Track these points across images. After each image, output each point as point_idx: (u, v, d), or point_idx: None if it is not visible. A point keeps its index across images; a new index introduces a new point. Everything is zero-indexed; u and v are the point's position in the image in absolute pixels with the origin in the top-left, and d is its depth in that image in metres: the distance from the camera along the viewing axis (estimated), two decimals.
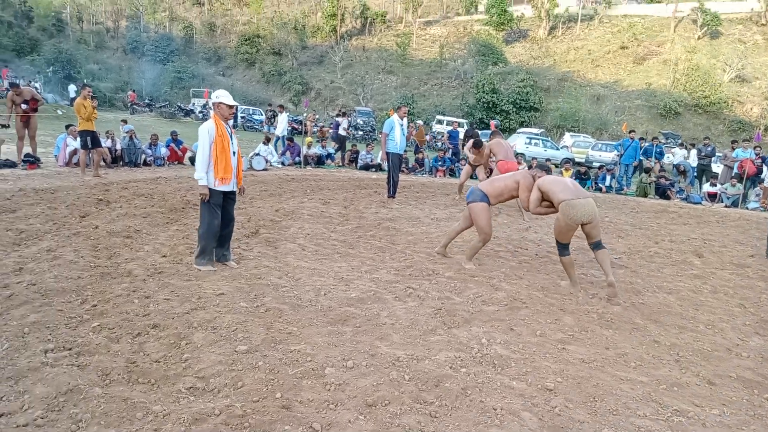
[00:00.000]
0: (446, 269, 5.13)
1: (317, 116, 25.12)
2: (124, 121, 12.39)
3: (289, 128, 23.19)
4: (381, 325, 3.66)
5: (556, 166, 16.78)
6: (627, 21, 44.02)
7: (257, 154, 12.24)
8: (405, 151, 10.05)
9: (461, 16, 53.34)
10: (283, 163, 13.25)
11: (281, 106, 16.30)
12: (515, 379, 3.03)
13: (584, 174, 14.15)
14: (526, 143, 22.56)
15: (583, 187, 13.41)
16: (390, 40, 48.63)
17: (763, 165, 12.73)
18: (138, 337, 3.19)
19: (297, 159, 13.57)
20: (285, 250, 5.39)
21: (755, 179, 12.63)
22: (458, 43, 46.36)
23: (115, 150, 11.04)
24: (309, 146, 13.87)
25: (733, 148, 13.65)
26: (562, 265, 4.89)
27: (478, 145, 9.03)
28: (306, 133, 16.45)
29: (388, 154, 8.92)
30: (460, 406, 2.69)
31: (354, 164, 14.30)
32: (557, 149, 23.02)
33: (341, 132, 15.36)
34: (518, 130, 27.81)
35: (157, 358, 2.96)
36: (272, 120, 21.36)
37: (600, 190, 13.40)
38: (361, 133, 25.64)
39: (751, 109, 33.72)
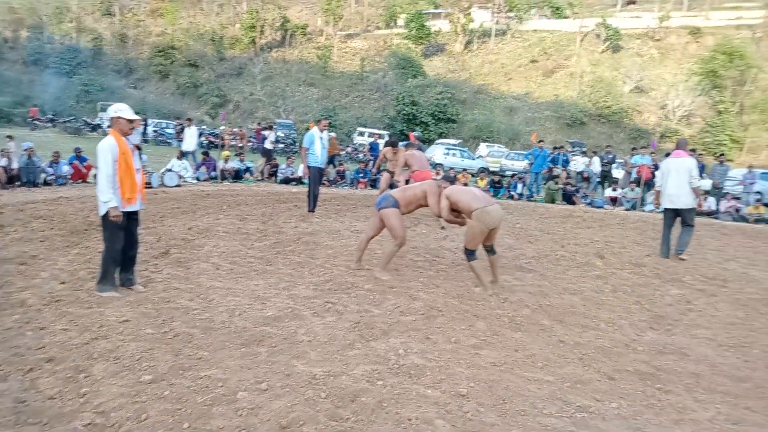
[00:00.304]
0: (365, 281, 5.15)
1: (244, 129, 24.49)
2: (10, 137, 11.41)
3: (205, 141, 22.54)
4: (298, 343, 3.61)
5: (473, 176, 17.38)
6: (537, 36, 46.57)
7: (170, 170, 11.77)
8: (326, 164, 10.04)
9: (381, 30, 54.22)
10: (198, 179, 12.82)
11: (189, 119, 15.61)
12: (430, 388, 3.09)
13: (498, 183, 14.75)
14: (444, 154, 23.27)
15: (497, 195, 14.08)
16: (311, 53, 48.54)
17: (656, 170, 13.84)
18: (30, 373, 2.95)
19: (213, 174, 13.18)
20: (197, 270, 5.21)
21: (651, 183, 13.69)
22: (379, 56, 47.08)
23: (11, 169, 10.25)
24: (226, 160, 13.53)
25: (632, 155, 14.73)
26: (473, 271, 5.08)
27: (393, 145, 9.42)
28: (223, 146, 16.01)
29: (308, 167, 8.87)
30: (376, 419, 2.71)
31: (274, 178, 14.09)
32: (473, 159, 23.88)
33: (267, 145, 15.11)
34: (437, 141, 28.60)
35: (52, 394, 2.75)
36: (181, 134, 20.55)
37: (512, 197, 14.00)
38: (281, 146, 25.33)
39: (649, 117, 36.61)
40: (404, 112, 34.74)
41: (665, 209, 7.45)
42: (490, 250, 5.16)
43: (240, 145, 19.83)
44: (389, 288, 4.97)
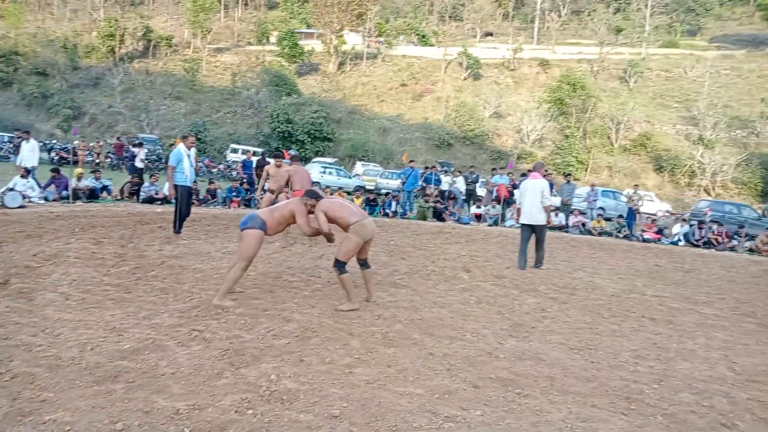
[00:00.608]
0: (237, 305, 4.95)
1: (102, 143, 22.46)
2: None
3: (56, 157, 20.40)
4: (159, 377, 3.35)
5: (349, 194, 17.60)
6: (406, 61, 48.72)
7: (11, 189, 10.45)
8: (195, 182, 9.54)
9: (253, 46, 53.32)
10: (46, 198, 11.51)
11: (27, 132, 13.82)
12: (303, 412, 3.02)
13: (373, 201, 15.08)
14: (321, 172, 23.33)
15: (372, 213, 14.38)
16: (177, 65, 46.29)
17: (514, 188, 15.09)
18: None
19: (64, 193, 11.92)
20: (43, 301, 4.65)
21: (510, 201, 14.87)
22: (251, 72, 46.19)
23: None
24: (79, 178, 12.32)
25: (492, 175, 15.89)
26: (342, 285, 5.10)
27: (276, 158, 9.18)
28: (76, 163, 14.55)
29: (176, 186, 8.36)
30: None
31: (135, 197, 13.09)
32: (350, 177, 24.22)
33: (138, 164, 14.04)
34: (313, 160, 28.63)
35: None
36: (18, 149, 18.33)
37: (387, 215, 14.39)
38: (144, 162, 23.69)
39: (507, 140, 39.81)
40: (279, 129, 34.36)
41: (522, 225, 8.11)
42: (363, 264, 5.26)
43: (96, 161, 18.20)
44: (262, 311, 4.82)
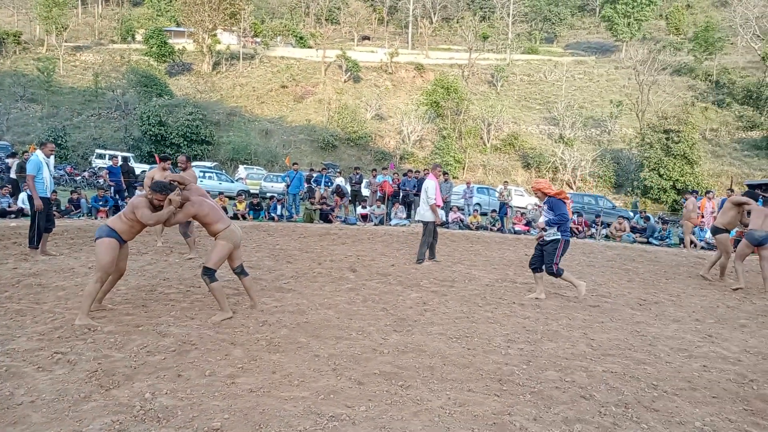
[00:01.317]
0: (106, 323, 4.59)
1: None
2: None
3: None
4: (15, 407, 3.03)
5: (231, 198, 17.02)
6: (285, 62, 48.15)
7: None
8: (54, 192, 8.66)
9: (117, 44, 49.67)
10: None
11: None
12: (181, 428, 2.89)
13: (257, 205, 14.72)
14: (200, 177, 22.27)
15: (257, 218, 14.05)
16: (29, 64, 41.79)
17: (400, 187, 15.55)
18: None
19: None
20: None
21: (394, 199, 15.29)
22: (116, 72, 42.97)
23: None
24: None
25: (374, 176, 16.21)
26: (214, 295, 4.93)
27: (164, 159, 8.50)
28: None
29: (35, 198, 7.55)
30: None
31: None
32: (232, 182, 23.42)
33: (13, 175, 12.71)
34: (192, 164, 27.23)
35: None
36: None
37: (273, 219, 14.13)
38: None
39: (389, 141, 40.81)
40: (151, 132, 32.28)
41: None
42: (241, 272, 5.16)
43: None
44: (135, 327, 4.52)
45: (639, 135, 36.07)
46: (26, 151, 14.25)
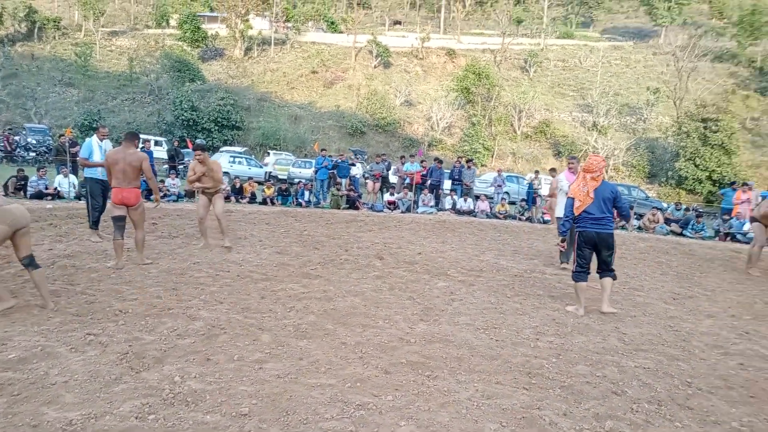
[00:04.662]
0: (138, 305, 4.68)
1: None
2: None
3: None
4: (49, 387, 3.10)
5: (260, 184, 17.17)
6: (315, 48, 48.10)
7: None
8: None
9: (151, 29, 50.36)
10: None
11: None
12: (209, 413, 2.92)
13: (285, 190, 14.81)
14: (230, 162, 22.53)
15: (285, 203, 14.13)
16: (68, 49, 42.76)
17: (427, 176, 15.44)
18: None
19: None
20: None
21: (421, 187, 15.19)
22: (150, 57, 43.62)
23: None
24: None
25: (403, 163, 16.11)
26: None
27: (202, 149, 8.27)
28: None
29: (86, 179, 7.88)
30: None
31: (22, 192, 11.97)
32: (261, 167, 23.61)
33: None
34: (222, 149, 27.58)
35: None
36: None
37: (300, 204, 14.20)
38: (33, 154, 21.74)
39: (418, 128, 40.54)
40: (183, 117, 32.75)
41: None
42: (29, 264, 4.47)
43: None
44: (167, 310, 4.59)
45: (675, 123, 34.98)
46: (62, 135, 14.57)
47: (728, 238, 13.18)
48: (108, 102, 37.72)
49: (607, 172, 35.13)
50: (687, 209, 15.47)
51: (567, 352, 4.26)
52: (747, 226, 12.93)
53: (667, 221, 14.63)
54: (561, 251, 7.68)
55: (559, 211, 7.72)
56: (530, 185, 17.30)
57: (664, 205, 19.29)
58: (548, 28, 55.70)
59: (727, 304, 6.41)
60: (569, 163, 7.95)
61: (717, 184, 29.48)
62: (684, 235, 13.77)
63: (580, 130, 39.99)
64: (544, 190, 19.23)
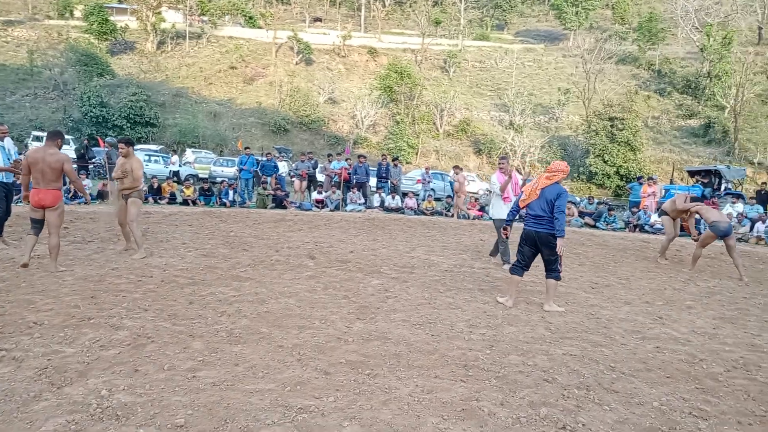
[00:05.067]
0: (54, 316, 4.34)
1: None
2: None
3: None
4: None
5: (179, 183, 16.46)
6: (233, 43, 46.71)
7: None
8: (13, 181, 7.92)
9: (54, 20, 46.88)
10: None
11: None
12: (142, 426, 2.76)
13: (208, 190, 14.30)
14: (145, 160, 21.37)
15: (209, 203, 13.64)
16: None
17: (353, 173, 15.43)
18: None
19: None
20: None
21: (349, 185, 15.17)
22: (53, 50, 40.54)
23: None
24: None
25: (330, 161, 16.02)
26: None
27: (128, 143, 7.70)
28: None
29: None
30: None
31: None
32: (180, 166, 22.62)
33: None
34: (136, 147, 26.14)
35: None
36: None
37: (225, 205, 13.76)
38: None
39: (342, 126, 40.43)
40: (92, 114, 30.76)
41: None
42: None
43: None
44: (87, 320, 4.29)
45: (585, 122, 37.17)
46: None
47: (637, 230, 14.17)
48: (5, 98, 34.73)
49: (523, 168, 36.78)
50: (600, 203, 16.47)
51: (499, 343, 4.41)
52: (654, 218, 13.99)
53: (581, 214, 15.52)
54: (501, 253, 7.92)
55: (494, 212, 8.03)
56: (451, 183, 17.75)
57: (578, 199, 20.45)
58: (465, 29, 57.38)
59: (641, 292, 6.90)
60: (500, 164, 8.19)
61: (624, 179, 31.65)
62: (597, 228, 14.67)
63: (498, 129, 41.52)
64: (469, 187, 19.80)
